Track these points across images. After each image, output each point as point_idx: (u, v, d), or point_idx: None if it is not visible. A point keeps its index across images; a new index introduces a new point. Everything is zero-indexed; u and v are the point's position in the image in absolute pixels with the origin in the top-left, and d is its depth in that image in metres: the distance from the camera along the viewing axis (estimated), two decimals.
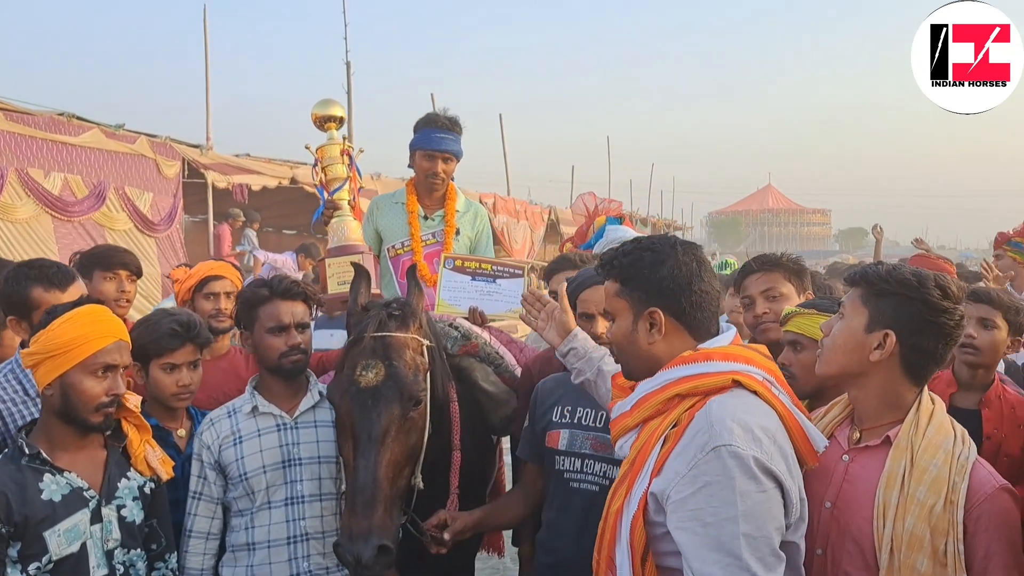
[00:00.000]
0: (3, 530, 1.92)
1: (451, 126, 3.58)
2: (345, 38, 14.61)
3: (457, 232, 3.65)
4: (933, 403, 1.78)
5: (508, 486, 3.43)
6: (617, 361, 1.88)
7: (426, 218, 3.68)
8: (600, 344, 2.35)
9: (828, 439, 1.82)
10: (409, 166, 3.71)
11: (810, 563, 1.74)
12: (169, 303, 4.33)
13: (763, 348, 1.79)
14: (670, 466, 1.58)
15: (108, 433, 2.16)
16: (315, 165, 3.32)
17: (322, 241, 3.66)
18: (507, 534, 3.34)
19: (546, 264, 3.91)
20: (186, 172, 10.16)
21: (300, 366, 2.52)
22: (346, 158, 3.27)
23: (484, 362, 2.78)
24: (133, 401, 2.19)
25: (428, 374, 2.37)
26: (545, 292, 3.03)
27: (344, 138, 3.31)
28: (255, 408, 2.47)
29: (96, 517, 2.07)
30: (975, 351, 2.67)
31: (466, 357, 2.78)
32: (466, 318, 3.09)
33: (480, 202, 4.23)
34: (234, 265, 3.59)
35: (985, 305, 2.74)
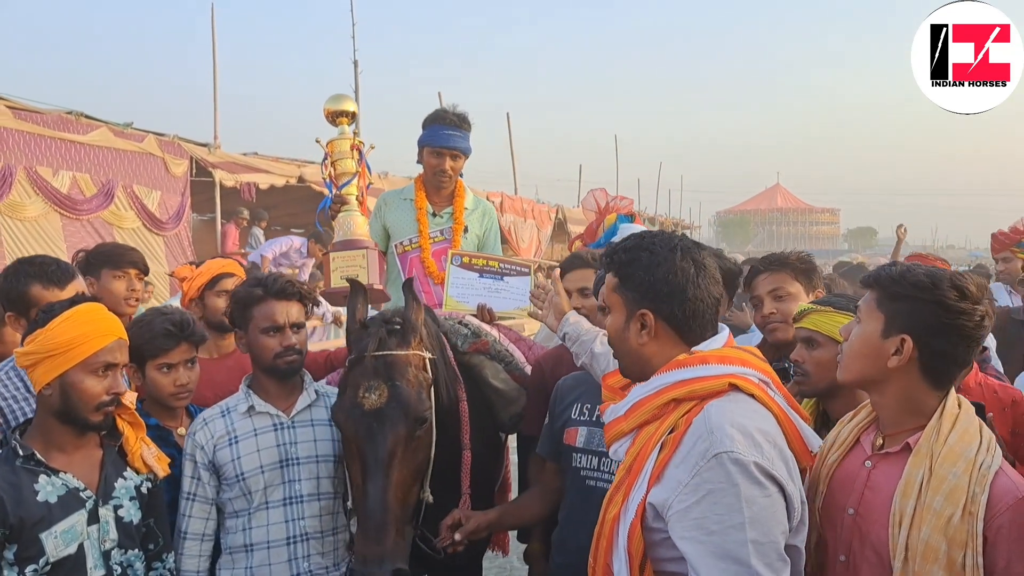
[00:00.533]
0: None
1: (459, 123, 3.56)
2: (353, 37, 14.63)
3: (466, 230, 3.63)
4: (959, 408, 1.70)
5: (514, 485, 3.41)
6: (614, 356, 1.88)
7: (435, 215, 3.66)
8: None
9: (854, 444, 1.79)
10: (418, 162, 3.68)
11: (833, 570, 1.72)
12: (175, 302, 4.31)
13: (755, 350, 1.79)
14: (671, 475, 1.57)
15: (103, 432, 2.14)
16: (324, 159, 3.31)
17: (327, 234, 3.66)
18: (512, 532, 3.32)
19: (553, 263, 3.87)
20: (194, 171, 10.16)
21: (295, 367, 2.48)
22: (356, 153, 3.25)
23: (494, 359, 2.77)
24: (129, 398, 2.16)
25: (432, 388, 2.35)
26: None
27: (355, 133, 3.29)
28: (251, 407, 2.44)
29: (93, 518, 2.04)
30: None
31: (476, 355, 2.76)
32: (474, 315, 3.07)
33: (487, 200, 4.23)
34: (240, 264, 3.58)
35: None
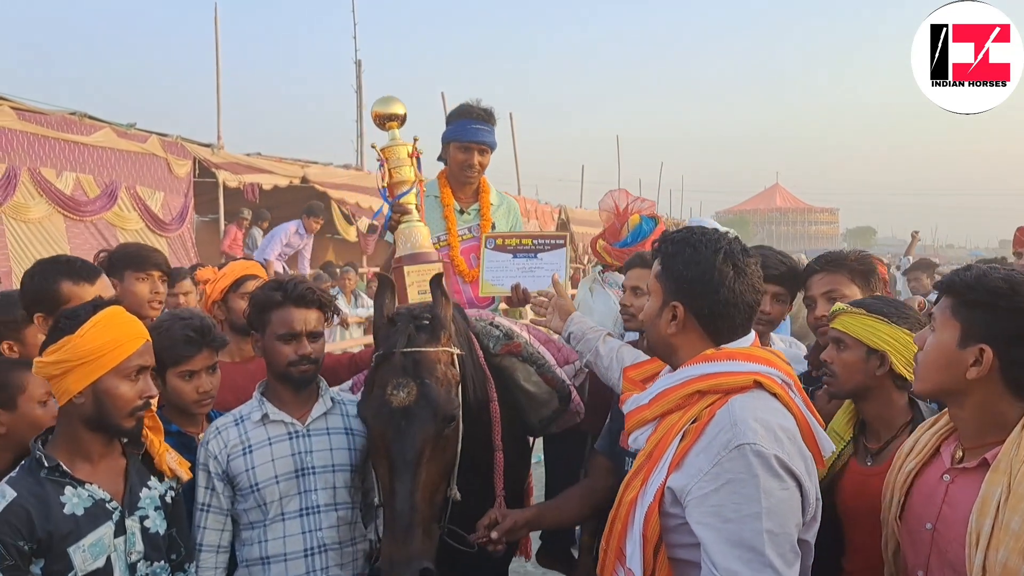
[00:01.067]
0: (25, 547, 1.82)
1: (487, 117, 3.52)
2: (355, 37, 14.62)
3: (492, 227, 3.59)
4: None
5: (536, 490, 3.39)
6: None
7: (462, 212, 3.60)
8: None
9: (934, 453, 1.73)
10: (439, 159, 3.63)
11: None
12: None
13: (780, 353, 1.84)
14: (691, 462, 1.60)
15: (126, 441, 2.08)
16: (380, 167, 3.17)
17: (383, 243, 3.57)
18: (534, 536, 3.27)
19: None
20: (197, 171, 10.09)
21: (309, 376, 2.41)
22: (414, 161, 3.14)
23: (526, 362, 2.70)
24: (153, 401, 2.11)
25: (460, 385, 2.29)
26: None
27: (415, 139, 3.17)
28: (265, 416, 2.37)
29: (120, 529, 1.98)
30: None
31: (507, 356, 2.70)
32: (509, 297, 3.10)
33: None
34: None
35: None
